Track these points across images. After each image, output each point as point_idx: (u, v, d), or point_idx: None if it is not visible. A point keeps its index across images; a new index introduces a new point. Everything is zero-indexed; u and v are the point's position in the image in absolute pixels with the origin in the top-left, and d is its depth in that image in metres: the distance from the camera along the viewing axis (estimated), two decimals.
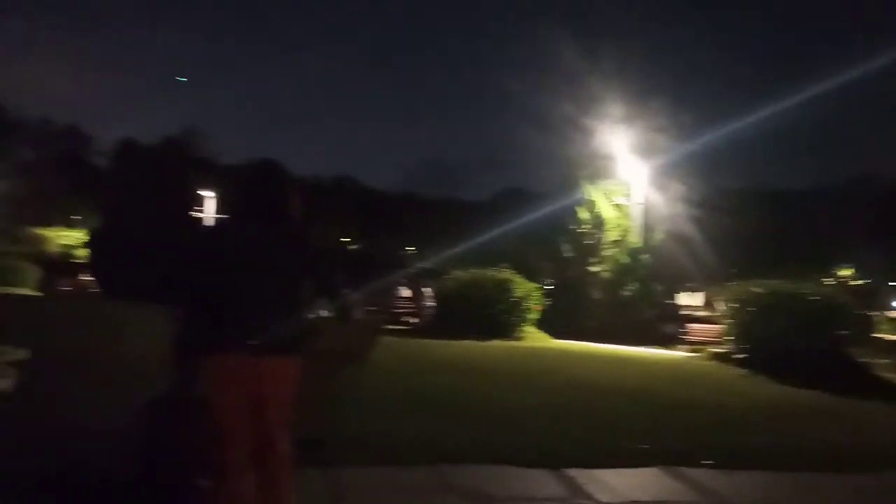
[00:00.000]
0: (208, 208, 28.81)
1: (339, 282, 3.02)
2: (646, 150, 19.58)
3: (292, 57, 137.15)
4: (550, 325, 16.07)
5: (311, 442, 3.30)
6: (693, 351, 13.84)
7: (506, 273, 15.67)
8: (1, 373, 6.25)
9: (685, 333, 17.10)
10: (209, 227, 3.06)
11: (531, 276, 16.97)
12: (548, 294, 17.44)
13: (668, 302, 22.09)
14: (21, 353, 7.43)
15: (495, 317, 14.66)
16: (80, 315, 14.02)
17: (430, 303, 18.47)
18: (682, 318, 19.07)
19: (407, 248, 51.67)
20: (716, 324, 14.77)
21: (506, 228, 22.30)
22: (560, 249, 20.29)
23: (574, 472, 4.39)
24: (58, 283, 29.12)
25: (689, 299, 24.37)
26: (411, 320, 19.50)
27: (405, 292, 24.59)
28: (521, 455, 4.63)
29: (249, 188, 2.80)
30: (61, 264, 33.85)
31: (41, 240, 39.61)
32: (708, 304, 21.76)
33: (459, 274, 16.32)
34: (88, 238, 34.01)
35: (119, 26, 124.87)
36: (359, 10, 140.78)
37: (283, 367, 2.73)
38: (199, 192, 28.78)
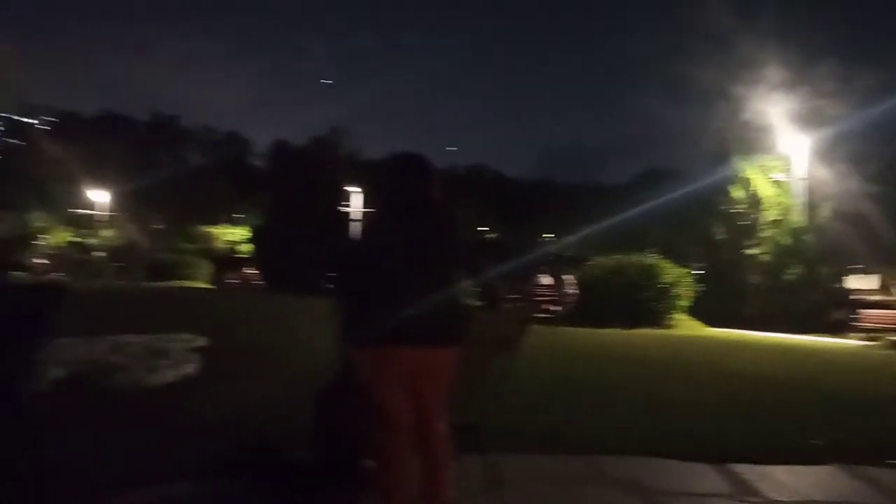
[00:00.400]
0: (355, 203, 30.23)
1: (485, 271, 3.05)
2: (809, 120, 17.92)
3: (426, 47, 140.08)
4: (703, 312, 15.29)
5: (468, 427, 3.36)
6: (868, 339, 12.61)
7: (652, 258, 15.09)
8: (186, 358, 6.99)
9: (858, 320, 15.59)
10: (364, 222, 3.10)
11: (679, 260, 16.23)
12: (699, 279, 16.57)
13: (836, 286, 20.19)
14: (201, 341, 8.26)
15: (642, 304, 14.18)
16: (248, 305, 15.26)
17: (571, 290, 18.19)
18: (853, 304, 17.38)
19: (545, 236, 51.20)
20: (894, 309, 13.34)
21: (649, 211, 21.40)
22: (711, 232, 19.17)
23: (739, 468, 4.14)
24: (226, 277, 31.89)
25: (860, 283, 22.17)
26: (552, 308, 19.33)
27: (545, 280, 24.40)
28: (680, 448, 4.44)
29: (395, 183, 2.87)
30: (228, 259, 37.05)
31: (210, 237, 43.62)
32: (884, 288, 19.70)
33: (602, 260, 15.94)
34: (251, 234, 36.90)
35: (266, 34, 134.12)
36: None
37: (441, 356, 2.80)
38: (346, 187, 30.26)
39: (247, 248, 38.58)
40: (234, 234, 43.29)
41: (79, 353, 6.30)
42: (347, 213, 29.58)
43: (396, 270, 2.72)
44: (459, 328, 2.85)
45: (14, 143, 47.81)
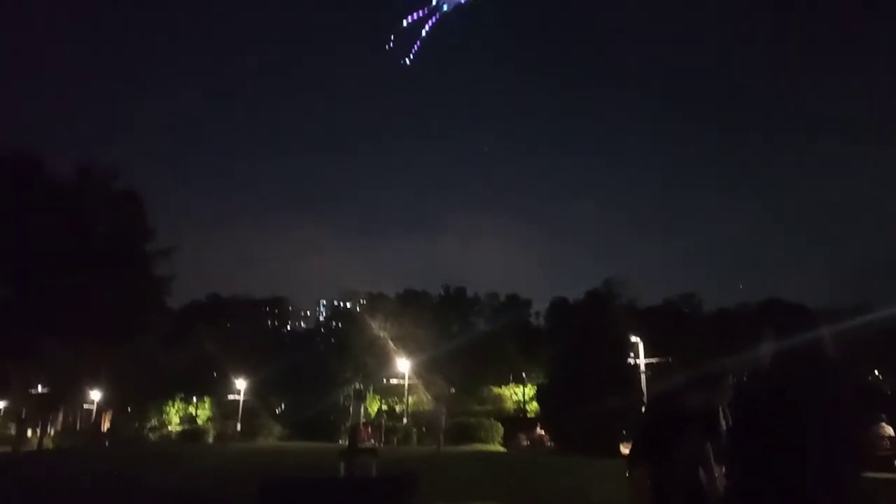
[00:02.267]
0: (639, 354, 29.17)
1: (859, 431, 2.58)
2: None
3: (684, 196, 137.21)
4: None
5: None
6: None
7: None
8: None
9: None
10: (747, 384, 2.81)
11: None
12: None
13: None
14: None
15: None
16: (542, 470, 15.06)
17: None
18: None
19: (874, 374, 43.45)
20: None
21: None
22: None
23: None
24: (516, 438, 32.13)
25: None
26: None
27: (885, 430, 20.29)
28: None
29: (774, 340, 2.52)
30: (517, 420, 37.55)
31: (499, 398, 45.12)
32: None
33: None
34: (537, 393, 37.35)
35: (537, 200, 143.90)
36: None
37: None
38: (629, 338, 29.50)
39: (533, 406, 38.93)
40: (521, 394, 44.24)
41: None
42: (636, 366, 28.57)
43: (783, 438, 2.36)
44: None
45: (335, 326, 56.25)
